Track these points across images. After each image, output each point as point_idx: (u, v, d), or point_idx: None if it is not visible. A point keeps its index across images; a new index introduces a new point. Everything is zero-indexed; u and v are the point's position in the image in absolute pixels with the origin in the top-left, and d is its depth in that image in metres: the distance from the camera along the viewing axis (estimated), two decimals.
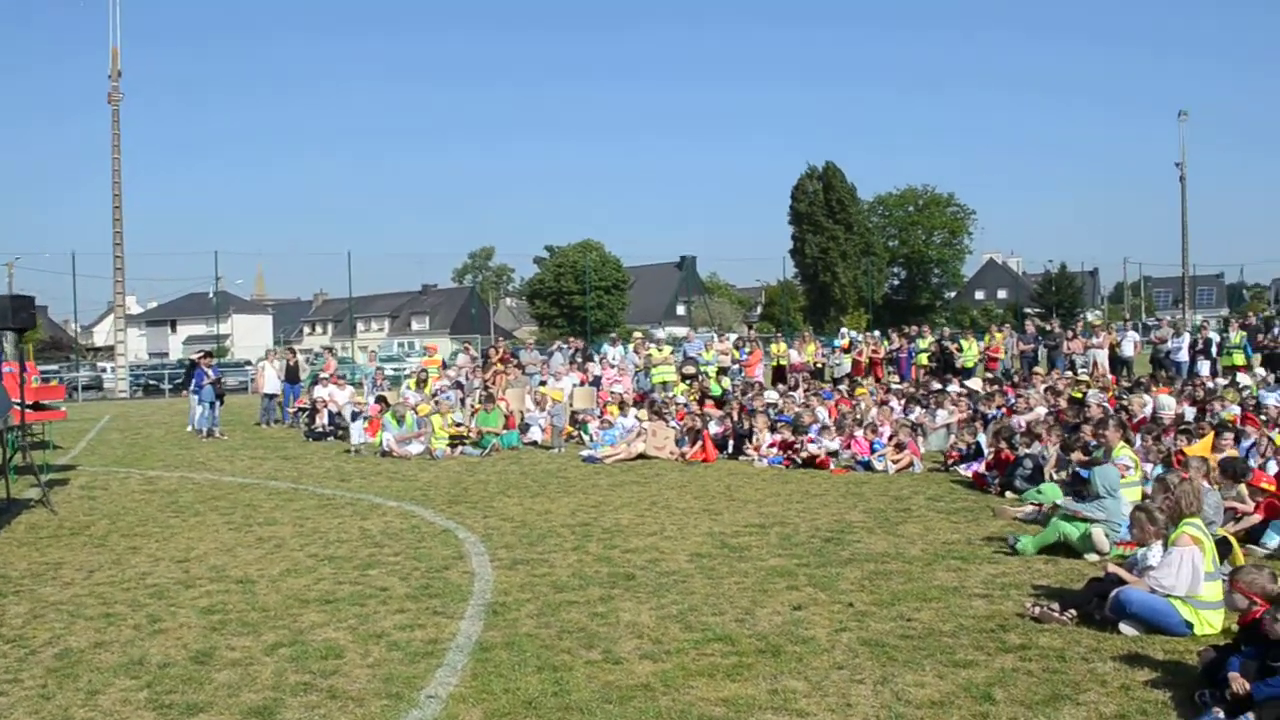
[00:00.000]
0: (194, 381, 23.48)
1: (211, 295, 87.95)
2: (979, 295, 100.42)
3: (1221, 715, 5.06)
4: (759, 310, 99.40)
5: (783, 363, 28.95)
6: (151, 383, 45.98)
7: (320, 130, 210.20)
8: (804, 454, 15.29)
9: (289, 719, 5.71)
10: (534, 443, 19.80)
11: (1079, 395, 18.26)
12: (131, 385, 48.15)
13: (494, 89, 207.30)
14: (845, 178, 74.61)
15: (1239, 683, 5.09)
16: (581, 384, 23.90)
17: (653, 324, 79.69)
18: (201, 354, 24.13)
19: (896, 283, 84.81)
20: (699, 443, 16.59)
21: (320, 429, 21.60)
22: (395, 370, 44.42)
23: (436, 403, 20.92)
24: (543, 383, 24.28)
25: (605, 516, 11.75)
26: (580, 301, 75.31)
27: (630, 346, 28.73)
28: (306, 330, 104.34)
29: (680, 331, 58.83)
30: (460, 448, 18.51)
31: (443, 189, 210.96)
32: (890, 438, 15.16)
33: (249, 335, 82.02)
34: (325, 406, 22.10)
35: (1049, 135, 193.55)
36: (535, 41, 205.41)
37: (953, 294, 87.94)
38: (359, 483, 15.30)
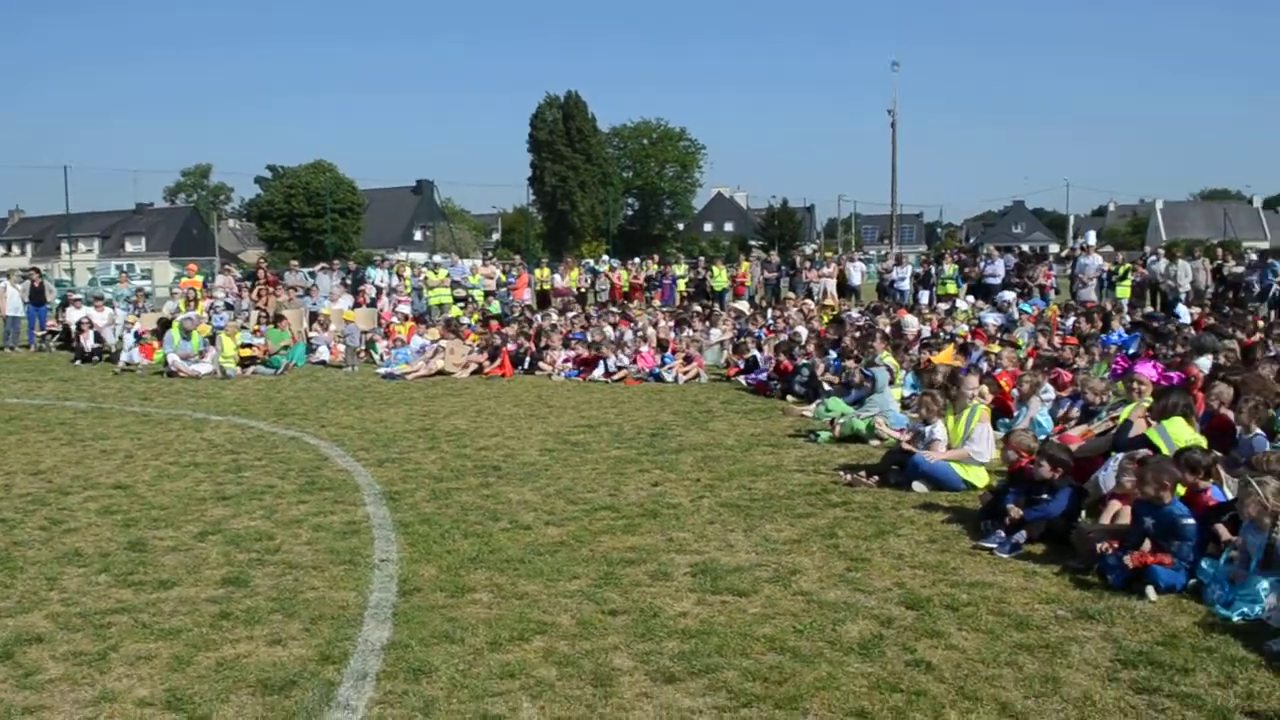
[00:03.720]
0: None
1: None
2: (707, 227, 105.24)
3: (1002, 534, 6.94)
4: (495, 237, 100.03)
5: (546, 287, 30.29)
6: None
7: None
8: (609, 370, 16.61)
9: (264, 584, 6.43)
10: (322, 362, 20.14)
11: (826, 318, 20.80)
12: None
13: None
14: (587, 108, 76.15)
15: (1015, 511, 6.99)
16: (357, 305, 24.19)
17: (389, 248, 78.28)
18: None
19: (631, 213, 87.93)
20: (498, 359, 17.65)
21: (88, 350, 20.85)
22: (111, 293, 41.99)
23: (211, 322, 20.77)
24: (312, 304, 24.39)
25: (440, 423, 12.69)
26: (314, 224, 72.91)
27: (394, 270, 29.13)
28: (1, 250, 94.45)
29: (419, 257, 58.55)
30: (252, 367, 18.60)
31: (152, 99, 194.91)
32: (676, 352, 16.85)
33: None
34: (90, 328, 21.29)
35: (776, 78, 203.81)
36: None
37: (683, 225, 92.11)
38: (163, 400, 15.29)
